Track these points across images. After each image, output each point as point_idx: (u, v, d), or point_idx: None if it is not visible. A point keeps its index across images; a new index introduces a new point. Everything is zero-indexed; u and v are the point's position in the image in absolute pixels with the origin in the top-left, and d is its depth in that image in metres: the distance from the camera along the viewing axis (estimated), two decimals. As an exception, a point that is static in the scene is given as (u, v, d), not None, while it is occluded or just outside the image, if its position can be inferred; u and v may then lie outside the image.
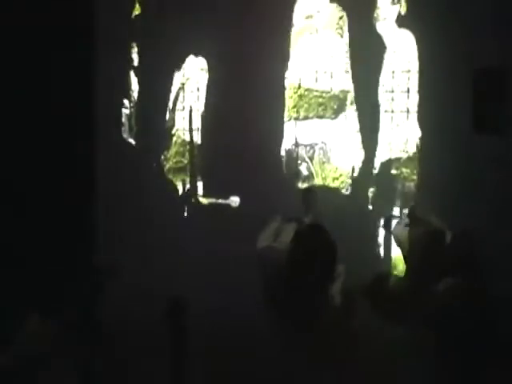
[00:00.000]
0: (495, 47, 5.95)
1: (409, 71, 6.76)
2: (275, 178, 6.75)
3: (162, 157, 7.23)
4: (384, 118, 6.60)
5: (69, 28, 5.61)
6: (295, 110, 7.30)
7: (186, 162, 7.27)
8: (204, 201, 6.86)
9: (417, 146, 6.53)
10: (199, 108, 7.07)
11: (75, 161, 5.41)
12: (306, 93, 7.33)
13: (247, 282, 6.22)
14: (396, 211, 6.64)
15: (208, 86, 6.91)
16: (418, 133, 6.43)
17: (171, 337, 4.54)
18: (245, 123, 6.56)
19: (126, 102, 7.07)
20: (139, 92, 7.04)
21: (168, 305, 4.63)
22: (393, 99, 6.69)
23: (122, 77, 6.76)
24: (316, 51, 7.29)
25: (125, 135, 7.12)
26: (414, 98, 6.52)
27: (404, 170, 6.69)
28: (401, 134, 6.68)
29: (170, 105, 7.15)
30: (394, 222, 6.08)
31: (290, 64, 6.78)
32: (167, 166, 7.33)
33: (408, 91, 6.76)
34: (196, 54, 6.99)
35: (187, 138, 7.16)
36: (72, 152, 5.42)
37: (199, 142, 7.07)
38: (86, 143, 5.47)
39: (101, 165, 5.68)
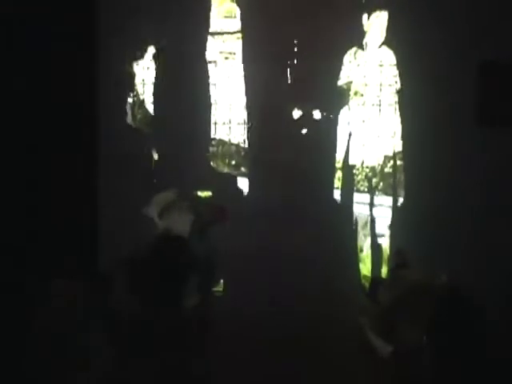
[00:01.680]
0: (500, 40, 5.94)
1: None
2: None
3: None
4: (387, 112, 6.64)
5: (71, 15, 5.61)
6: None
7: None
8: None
9: (414, 143, 6.50)
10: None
11: (78, 153, 5.43)
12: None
13: (248, 278, 6.28)
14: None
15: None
16: (416, 129, 6.43)
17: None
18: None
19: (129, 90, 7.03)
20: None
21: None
22: (396, 92, 6.64)
23: (125, 66, 6.71)
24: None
25: (128, 121, 7.08)
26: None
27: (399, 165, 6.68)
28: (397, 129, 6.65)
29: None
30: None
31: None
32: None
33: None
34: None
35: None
36: (74, 144, 5.43)
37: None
38: (89, 137, 5.50)
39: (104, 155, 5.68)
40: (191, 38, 6.72)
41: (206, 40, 6.76)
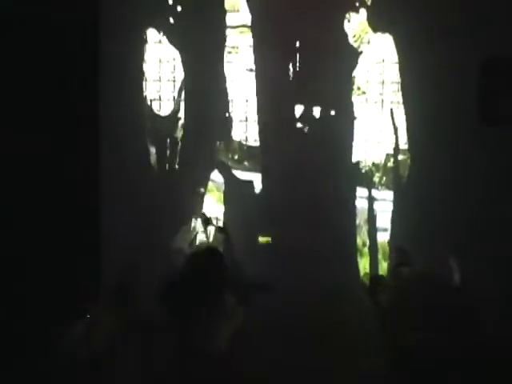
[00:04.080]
0: (503, 36, 5.93)
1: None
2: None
3: (168, 140, 7.24)
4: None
5: (73, 14, 5.60)
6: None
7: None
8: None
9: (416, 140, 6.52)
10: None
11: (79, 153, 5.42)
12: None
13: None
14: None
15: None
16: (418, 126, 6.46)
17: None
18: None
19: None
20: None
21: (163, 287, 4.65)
22: (398, 90, 6.66)
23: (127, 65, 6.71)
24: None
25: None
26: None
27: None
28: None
29: (176, 90, 7.14)
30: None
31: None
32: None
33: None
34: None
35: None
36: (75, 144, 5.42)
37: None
38: (91, 136, 5.49)
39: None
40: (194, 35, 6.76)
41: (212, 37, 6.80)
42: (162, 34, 6.80)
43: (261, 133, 6.81)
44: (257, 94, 6.79)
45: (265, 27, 6.68)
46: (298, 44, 6.66)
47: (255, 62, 6.79)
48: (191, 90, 6.85)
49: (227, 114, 6.93)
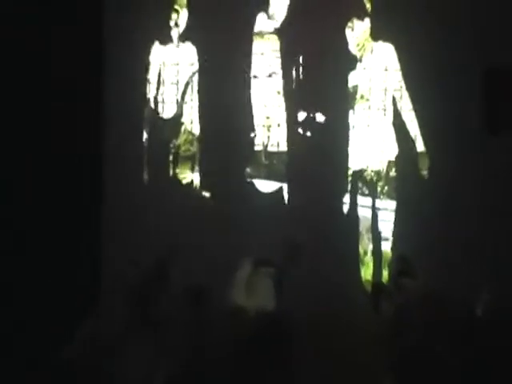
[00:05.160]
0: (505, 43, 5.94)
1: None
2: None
3: (171, 145, 7.24)
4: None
5: (78, 15, 5.64)
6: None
7: (194, 150, 7.25)
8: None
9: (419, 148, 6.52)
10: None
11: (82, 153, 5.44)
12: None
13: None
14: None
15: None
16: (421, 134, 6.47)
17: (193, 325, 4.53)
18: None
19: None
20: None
21: (190, 293, 4.65)
22: (401, 97, 6.66)
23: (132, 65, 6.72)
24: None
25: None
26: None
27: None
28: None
29: (179, 94, 7.14)
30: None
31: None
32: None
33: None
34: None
35: (195, 127, 7.17)
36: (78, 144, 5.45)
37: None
38: (93, 137, 5.52)
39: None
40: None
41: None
42: (165, 35, 6.82)
43: (264, 138, 6.83)
44: (262, 100, 6.82)
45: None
46: (302, 51, 6.68)
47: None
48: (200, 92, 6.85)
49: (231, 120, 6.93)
